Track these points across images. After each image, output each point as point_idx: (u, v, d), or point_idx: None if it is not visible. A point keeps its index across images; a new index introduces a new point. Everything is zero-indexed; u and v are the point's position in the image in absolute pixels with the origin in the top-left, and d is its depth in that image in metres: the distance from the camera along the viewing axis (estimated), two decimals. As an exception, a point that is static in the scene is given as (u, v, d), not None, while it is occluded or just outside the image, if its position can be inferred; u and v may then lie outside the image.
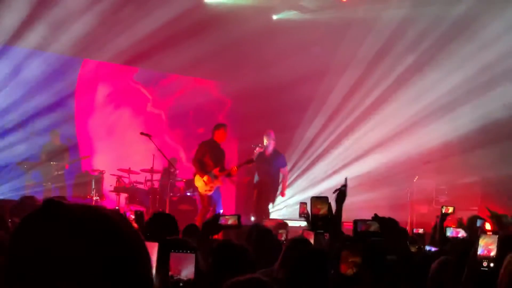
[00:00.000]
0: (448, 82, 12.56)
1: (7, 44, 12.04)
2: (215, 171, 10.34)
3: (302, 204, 5.74)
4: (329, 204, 3.35)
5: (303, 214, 5.67)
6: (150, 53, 12.91)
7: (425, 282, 3.39)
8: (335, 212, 3.58)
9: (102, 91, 13.94)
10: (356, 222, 3.88)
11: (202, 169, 10.35)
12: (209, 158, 10.40)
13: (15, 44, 12.07)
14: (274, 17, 13.92)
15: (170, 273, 2.17)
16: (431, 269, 3.40)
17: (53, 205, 1.16)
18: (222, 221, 4.69)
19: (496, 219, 6.05)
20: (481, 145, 11.95)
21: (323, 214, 3.28)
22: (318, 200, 3.33)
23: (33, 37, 11.99)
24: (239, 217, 4.78)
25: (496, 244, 3.02)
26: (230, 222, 4.69)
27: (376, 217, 3.71)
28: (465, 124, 12.33)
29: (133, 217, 5.78)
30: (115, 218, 1.21)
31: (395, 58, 12.94)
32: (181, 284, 2.16)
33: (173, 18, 12.16)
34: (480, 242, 3.04)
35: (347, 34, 13.06)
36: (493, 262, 2.93)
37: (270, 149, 11.08)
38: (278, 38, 13.09)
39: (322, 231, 3.36)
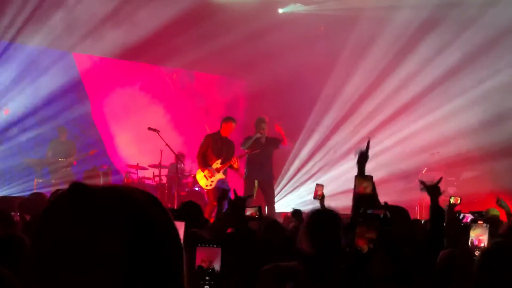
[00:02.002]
0: (456, 75, 12.55)
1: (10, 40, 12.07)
2: (217, 164, 10.13)
3: (319, 185, 5.74)
4: (374, 183, 3.31)
5: (317, 197, 5.66)
6: (156, 49, 12.91)
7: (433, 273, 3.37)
8: (357, 173, 3.53)
9: (108, 87, 13.93)
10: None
11: (204, 162, 10.18)
12: (211, 151, 10.22)
13: (17, 41, 12.11)
14: (280, 10, 13.87)
15: (197, 265, 2.16)
16: (438, 261, 3.38)
17: (79, 189, 1.13)
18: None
19: (504, 207, 6.10)
20: (491, 137, 11.93)
21: (368, 193, 3.24)
22: (362, 178, 3.29)
23: (31, 33, 12.02)
24: (259, 208, 4.76)
25: (487, 234, 3.03)
26: (249, 213, 4.67)
27: (386, 205, 3.64)
28: (475, 116, 12.32)
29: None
30: (144, 201, 1.19)
31: (402, 51, 12.88)
32: (207, 278, 2.15)
33: (180, 14, 12.15)
34: (471, 233, 3.04)
35: (355, 26, 13.01)
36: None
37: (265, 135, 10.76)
38: (285, 31, 13.02)
39: (368, 210, 3.31)
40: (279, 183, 14.07)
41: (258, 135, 10.53)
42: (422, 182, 3.67)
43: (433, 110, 13.02)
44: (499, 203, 6.16)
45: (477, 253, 2.99)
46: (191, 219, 4.67)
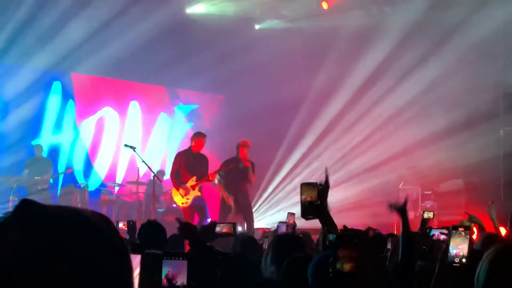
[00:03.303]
0: (429, 84, 12.76)
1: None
2: (192, 181, 10.02)
3: (290, 214, 5.86)
4: (320, 189, 3.33)
5: (290, 226, 5.76)
6: (132, 65, 12.93)
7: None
8: (321, 203, 3.53)
9: (85, 104, 13.86)
10: (325, 233, 3.93)
11: (178, 181, 10.07)
12: (184, 168, 10.08)
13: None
14: (257, 26, 13.97)
15: (164, 281, 2.17)
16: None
17: (26, 205, 1.14)
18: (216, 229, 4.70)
19: (475, 222, 6.16)
20: (465, 149, 12.08)
21: (312, 200, 3.27)
22: (307, 186, 3.33)
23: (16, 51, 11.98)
24: (234, 225, 4.77)
25: (467, 243, 3.04)
26: (224, 230, 4.68)
27: (345, 229, 3.64)
28: (448, 126, 12.50)
29: (125, 228, 5.82)
30: (95, 219, 1.19)
31: (381, 65, 13.02)
32: None
33: (157, 31, 12.20)
34: (451, 242, 3.05)
35: (332, 41, 13.13)
36: (464, 258, 2.95)
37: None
38: (261, 47, 13.12)
39: (311, 216, 3.34)
40: (257, 199, 14.09)
41: (241, 165, 10.35)
42: (390, 205, 3.56)
43: (411, 123, 13.15)
44: (471, 220, 6.19)
45: (456, 260, 2.99)
46: (153, 239, 4.67)
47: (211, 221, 5.05)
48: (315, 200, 3.30)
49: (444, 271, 3.00)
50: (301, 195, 3.32)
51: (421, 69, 12.73)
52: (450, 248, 3.03)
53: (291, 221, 5.85)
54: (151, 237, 4.80)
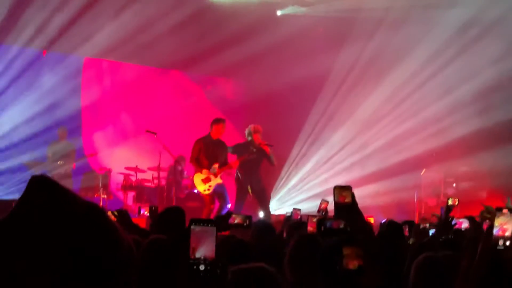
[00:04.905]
0: (453, 74, 12.55)
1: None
2: (214, 169, 9.96)
3: (324, 201, 5.99)
4: (353, 194, 3.34)
5: (321, 211, 5.85)
6: (154, 50, 12.92)
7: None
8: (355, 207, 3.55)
9: (107, 89, 13.94)
10: (321, 221, 3.93)
11: (199, 167, 10.05)
12: (204, 156, 10.03)
13: (8, 42, 12.15)
14: (279, 12, 13.88)
15: (191, 254, 2.13)
16: (414, 265, 3.36)
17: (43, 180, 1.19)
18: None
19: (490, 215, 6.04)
20: (489, 137, 11.93)
21: (348, 202, 3.28)
22: (342, 188, 3.33)
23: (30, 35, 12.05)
24: (249, 218, 4.76)
25: None
26: (236, 221, 4.69)
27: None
28: (474, 118, 12.33)
29: (147, 213, 5.85)
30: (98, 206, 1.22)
31: (402, 52, 12.86)
32: (201, 268, 2.13)
33: (176, 14, 12.15)
34: (495, 222, 2.99)
35: (354, 28, 13.00)
36: (509, 241, 2.89)
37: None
38: (284, 33, 13.01)
39: (346, 221, 3.38)
40: (277, 185, 14.10)
41: (255, 150, 10.25)
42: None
43: (432, 111, 13.02)
44: (487, 211, 6.05)
45: (500, 242, 2.94)
46: (172, 225, 4.67)
47: (228, 211, 5.05)
48: (350, 203, 3.30)
49: (487, 255, 2.93)
50: (334, 198, 3.33)
51: (445, 51, 12.55)
52: (494, 229, 2.96)
53: (322, 207, 6.02)
54: (170, 222, 4.80)
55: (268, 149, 10.30)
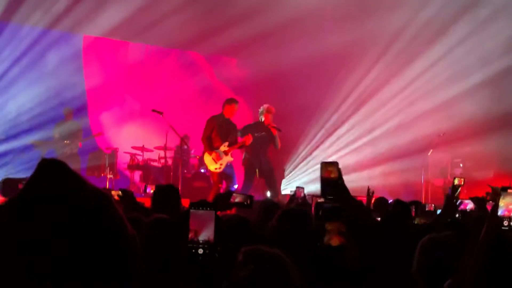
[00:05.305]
0: (464, 56, 12.44)
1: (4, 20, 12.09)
2: (224, 146, 9.99)
3: (299, 188, 6.14)
4: (339, 169, 3.29)
5: (298, 199, 5.96)
6: (159, 28, 12.85)
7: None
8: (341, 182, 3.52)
9: (111, 69, 13.92)
10: (318, 205, 3.94)
11: (210, 146, 10.01)
12: (216, 133, 10.03)
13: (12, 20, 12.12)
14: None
15: (190, 236, 2.16)
16: (419, 246, 3.34)
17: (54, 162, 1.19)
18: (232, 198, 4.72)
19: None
20: (497, 119, 11.86)
21: (334, 177, 3.24)
22: (327, 164, 3.30)
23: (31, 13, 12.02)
24: (251, 197, 4.76)
25: None
26: (237, 200, 4.69)
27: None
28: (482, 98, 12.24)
29: (153, 191, 5.87)
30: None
31: (415, 34, 12.72)
32: (200, 252, 2.16)
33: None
34: (500, 203, 2.97)
35: (364, 8, 12.85)
36: None
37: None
38: (291, 12, 12.87)
39: (331, 197, 3.33)
40: (289, 166, 14.11)
41: (265, 130, 10.24)
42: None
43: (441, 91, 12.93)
44: (494, 192, 6.02)
45: (505, 223, 2.92)
46: (167, 204, 4.67)
47: (228, 190, 5.05)
48: (336, 178, 3.26)
49: (491, 236, 2.90)
50: (321, 173, 3.28)
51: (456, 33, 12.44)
52: (499, 209, 2.94)
53: (301, 195, 6.20)
54: (163, 201, 4.80)
55: (275, 132, 10.26)
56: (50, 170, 1.18)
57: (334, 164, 3.31)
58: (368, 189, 5.96)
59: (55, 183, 1.16)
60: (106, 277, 1.15)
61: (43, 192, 1.15)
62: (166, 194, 4.95)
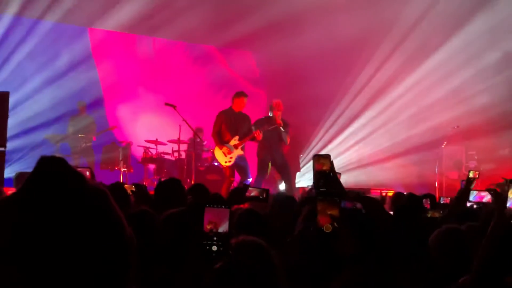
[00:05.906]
0: (483, 49, 12.35)
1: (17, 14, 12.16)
2: (235, 140, 9.98)
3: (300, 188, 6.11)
4: (332, 162, 3.29)
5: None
6: (172, 22, 12.87)
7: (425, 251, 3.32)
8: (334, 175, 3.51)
9: (125, 62, 13.97)
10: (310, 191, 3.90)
11: (220, 140, 10.01)
12: (226, 128, 10.02)
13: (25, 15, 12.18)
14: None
15: (206, 227, 2.21)
16: (435, 237, 3.33)
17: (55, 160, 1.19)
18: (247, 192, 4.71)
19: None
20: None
21: (326, 170, 3.24)
22: (320, 157, 3.30)
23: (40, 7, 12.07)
24: (267, 191, 4.75)
25: None
26: (253, 194, 4.68)
27: (358, 197, 3.58)
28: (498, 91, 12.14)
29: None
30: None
31: (432, 24, 12.61)
32: (215, 238, 2.20)
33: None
34: (509, 194, 2.94)
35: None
36: None
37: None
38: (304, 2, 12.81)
39: (324, 189, 3.33)
40: (304, 158, 14.09)
41: (281, 129, 10.16)
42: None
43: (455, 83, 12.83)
44: (506, 184, 5.98)
45: None
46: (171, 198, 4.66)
47: (244, 184, 5.05)
48: (328, 170, 3.26)
49: (500, 228, 2.88)
50: (313, 166, 3.29)
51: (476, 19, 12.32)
52: (508, 202, 2.92)
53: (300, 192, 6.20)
54: (168, 195, 4.80)
55: (281, 124, 10.19)
56: (49, 167, 1.18)
57: (326, 156, 3.32)
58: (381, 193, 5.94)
59: (54, 181, 1.16)
60: (102, 275, 1.15)
61: (42, 189, 1.15)
62: (170, 188, 4.95)
